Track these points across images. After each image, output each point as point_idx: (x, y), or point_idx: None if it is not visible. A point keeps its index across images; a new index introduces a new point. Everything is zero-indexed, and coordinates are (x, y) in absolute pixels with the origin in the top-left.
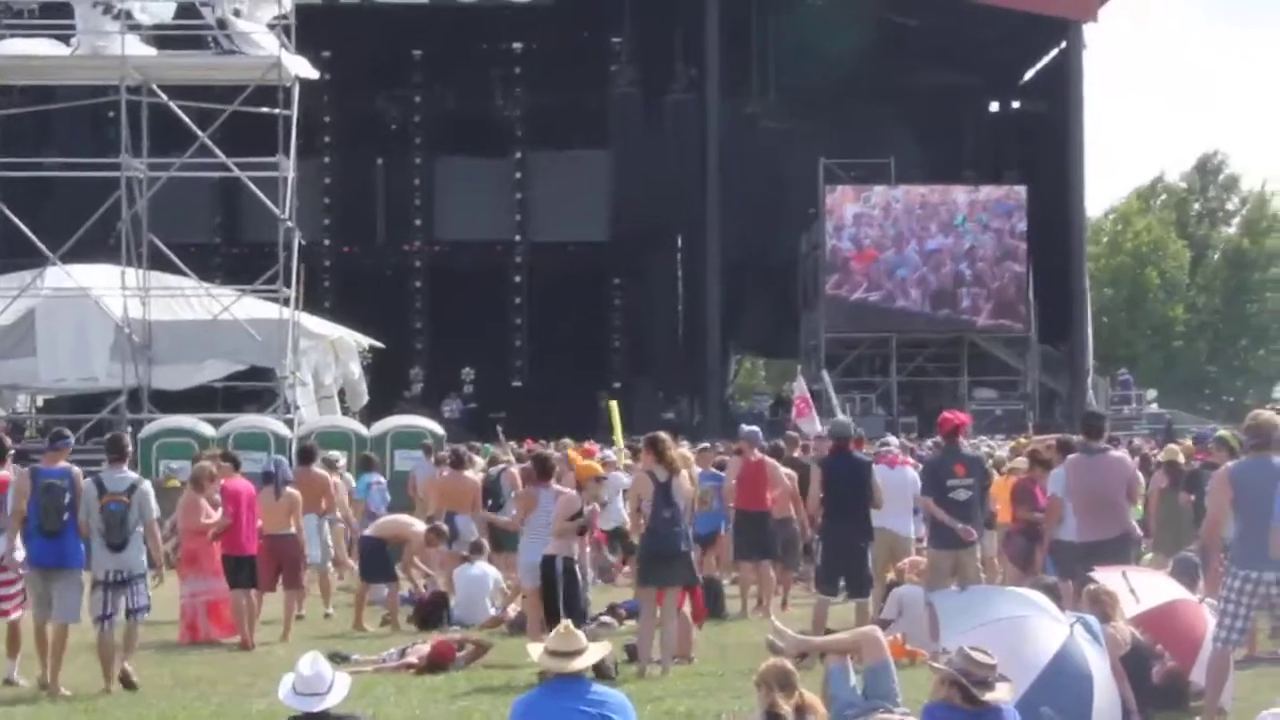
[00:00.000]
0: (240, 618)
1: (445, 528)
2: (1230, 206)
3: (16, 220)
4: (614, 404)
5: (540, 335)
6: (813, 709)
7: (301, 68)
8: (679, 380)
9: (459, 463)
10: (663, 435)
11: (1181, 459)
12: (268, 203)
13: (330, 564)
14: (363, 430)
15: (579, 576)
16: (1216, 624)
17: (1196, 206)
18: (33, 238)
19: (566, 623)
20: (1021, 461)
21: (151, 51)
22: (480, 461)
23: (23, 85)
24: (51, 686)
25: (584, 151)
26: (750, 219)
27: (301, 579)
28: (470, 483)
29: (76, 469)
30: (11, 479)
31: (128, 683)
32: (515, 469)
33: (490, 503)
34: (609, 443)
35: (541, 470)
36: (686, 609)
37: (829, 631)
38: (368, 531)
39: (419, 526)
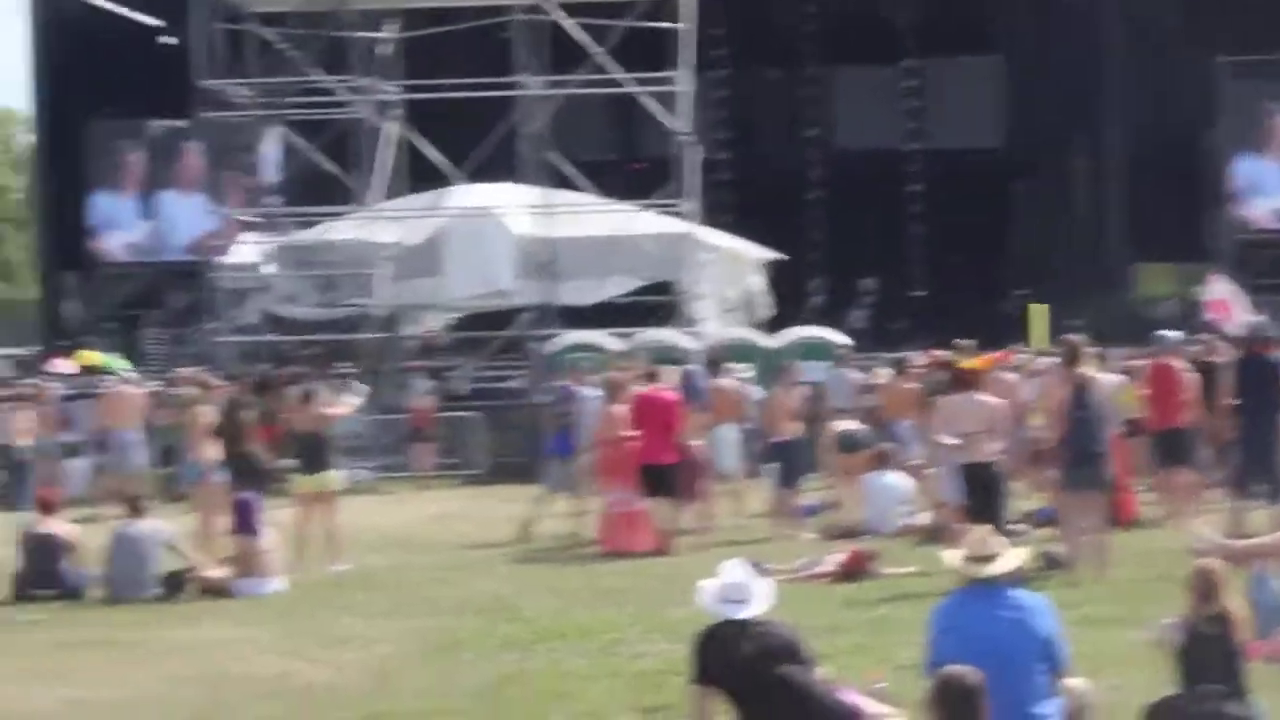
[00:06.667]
0: (658, 527)
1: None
2: None
3: (420, 143)
4: (1039, 309)
5: (940, 243)
6: (1235, 618)
7: None
8: (1081, 285)
9: (903, 369)
10: (1076, 339)
11: None
12: (665, 118)
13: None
14: (767, 342)
15: (1000, 483)
16: None
17: None
18: (437, 159)
19: (983, 528)
20: None
21: None
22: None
23: (422, 8)
24: None
25: (977, 57)
26: (1152, 118)
27: (704, 490)
28: (908, 391)
29: None
30: None
31: None
32: None
33: None
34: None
35: (959, 380)
36: None
37: (1248, 537)
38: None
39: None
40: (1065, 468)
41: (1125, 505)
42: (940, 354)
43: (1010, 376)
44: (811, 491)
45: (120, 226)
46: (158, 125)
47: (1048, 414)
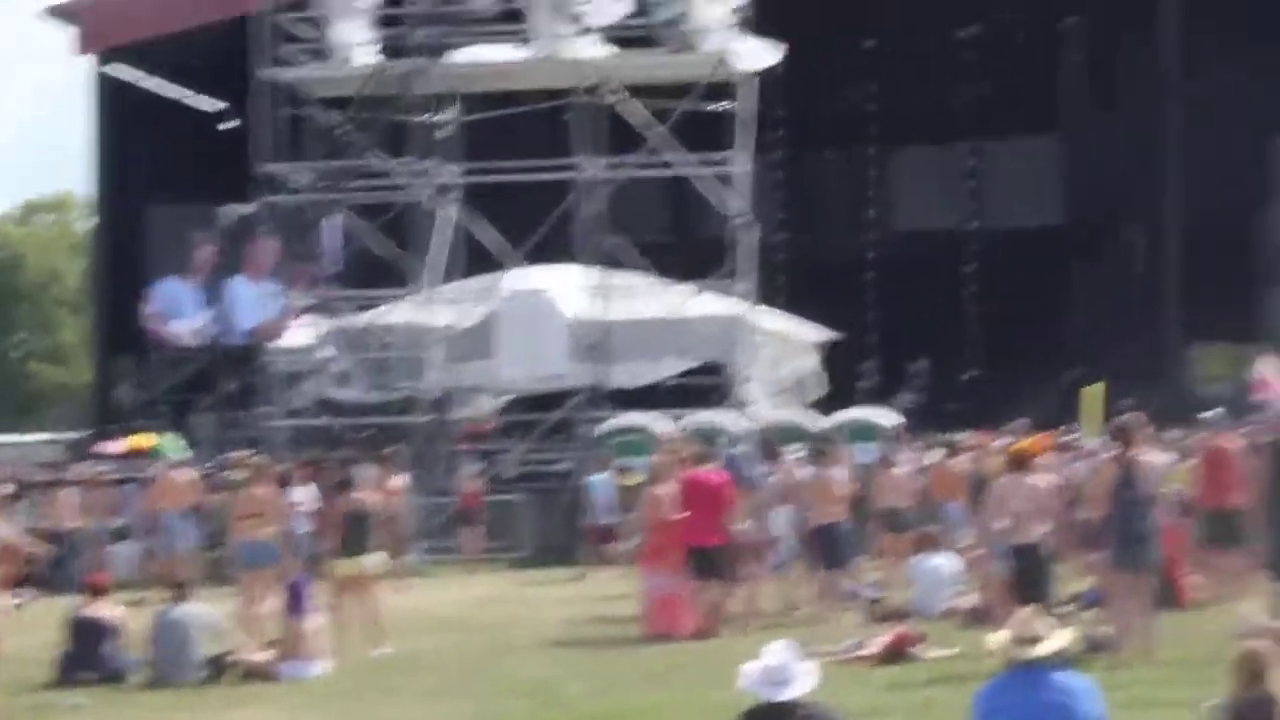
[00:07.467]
0: (702, 609)
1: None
2: None
3: (478, 225)
4: (1092, 390)
5: (995, 324)
6: None
7: (758, 57)
8: (1137, 366)
9: (954, 451)
10: (1128, 419)
11: None
12: (722, 199)
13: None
14: (817, 423)
15: (1047, 564)
16: None
17: None
18: (494, 241)
19: (1029, 609)
20: None
21: (606, 52)
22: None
23: (482, 92)
24: None
25: (1035, 137)
26: (1213, 198)
27: (750, 573)
28: (958, 473)
29: None
30: None
31: None
32: None
33: None
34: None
35: (1010, 461)
36: None
37: None
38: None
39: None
40: (1112, 548)
41: (1179, 587)
42: (990, 435)
43: (1061, 458)
44: (862, 574)
45: (184, 313)
46: (229, 211)
47: (1095, 495)
